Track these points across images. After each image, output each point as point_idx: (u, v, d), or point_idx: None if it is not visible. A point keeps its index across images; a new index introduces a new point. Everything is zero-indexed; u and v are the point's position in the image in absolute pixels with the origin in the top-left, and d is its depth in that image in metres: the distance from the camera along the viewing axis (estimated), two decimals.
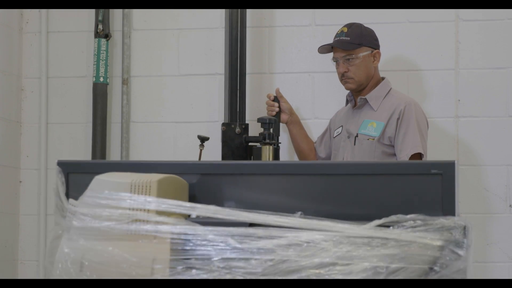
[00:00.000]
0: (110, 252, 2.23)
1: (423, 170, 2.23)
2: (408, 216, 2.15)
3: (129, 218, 2.22)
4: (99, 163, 2.71)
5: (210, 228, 2.19)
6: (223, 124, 4.21)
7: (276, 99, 4.21)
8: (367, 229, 2.14)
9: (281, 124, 4.20)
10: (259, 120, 4.11)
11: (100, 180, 2.30)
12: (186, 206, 2.23)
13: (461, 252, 2.12)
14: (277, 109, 4.19)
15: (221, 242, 2.16)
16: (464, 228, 2.14)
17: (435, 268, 2.11)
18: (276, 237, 2.15)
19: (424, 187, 2.22)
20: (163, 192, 2.26)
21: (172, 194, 2.28)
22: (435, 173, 2.18)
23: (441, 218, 2.14)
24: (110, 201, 2.25)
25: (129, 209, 2.23)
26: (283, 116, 4.21)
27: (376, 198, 2.27)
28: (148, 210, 2.21)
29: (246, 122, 4.25)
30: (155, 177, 2.27)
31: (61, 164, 2.50)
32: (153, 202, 2.23)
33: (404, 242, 2.11)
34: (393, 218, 2.15)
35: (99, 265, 2.23)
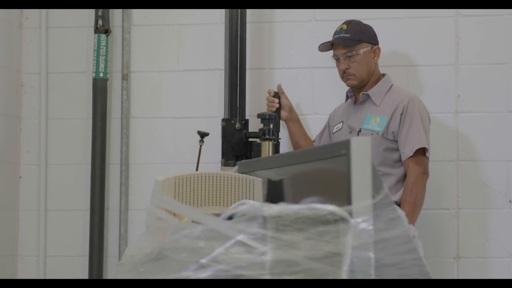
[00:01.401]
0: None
1: (335, 152, 1.99)
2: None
3: (155, 215, 2.26)
4: (265, 159, 2.66)
5: (184, 223, 2.17)
6: (223, 120, 4.21)
7: (276, 95, 4.21)
8: (215, 222, 1.99)
9: (280, 120, 4.20)
10: (259, 115, 4.11)
11: (156, 180, 2.39)
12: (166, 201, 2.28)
13: (255, 244, 1.90)
14: (277, 105, 4.19)
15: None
16: (264, 218, 1.90)
17: (202, 261, 1.93)
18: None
19: (336, 171, 1.99)
20: (177, 190, 2.29)
21: (197, 191, 2.31)
22: (343, 154, 1.93)
23: (264, 207, 1.92)
24: (153, 200, 2.31)
25: (156, 207, 2.26)
26: (283, 113, 4.21)
27: (303, 188, 2.15)
28: (163, 208, 2.25)
29: (246, 117, 4.26)
30: (175, 174, 2.31)
31: (240, 164, 2.54)
32: (159, 200, 2.26)
33: (216, 233, 1.97)
34: (241, 208, 1.97)
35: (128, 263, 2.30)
